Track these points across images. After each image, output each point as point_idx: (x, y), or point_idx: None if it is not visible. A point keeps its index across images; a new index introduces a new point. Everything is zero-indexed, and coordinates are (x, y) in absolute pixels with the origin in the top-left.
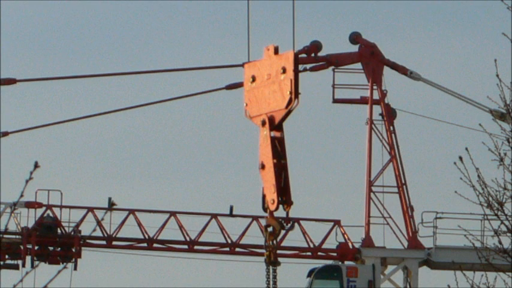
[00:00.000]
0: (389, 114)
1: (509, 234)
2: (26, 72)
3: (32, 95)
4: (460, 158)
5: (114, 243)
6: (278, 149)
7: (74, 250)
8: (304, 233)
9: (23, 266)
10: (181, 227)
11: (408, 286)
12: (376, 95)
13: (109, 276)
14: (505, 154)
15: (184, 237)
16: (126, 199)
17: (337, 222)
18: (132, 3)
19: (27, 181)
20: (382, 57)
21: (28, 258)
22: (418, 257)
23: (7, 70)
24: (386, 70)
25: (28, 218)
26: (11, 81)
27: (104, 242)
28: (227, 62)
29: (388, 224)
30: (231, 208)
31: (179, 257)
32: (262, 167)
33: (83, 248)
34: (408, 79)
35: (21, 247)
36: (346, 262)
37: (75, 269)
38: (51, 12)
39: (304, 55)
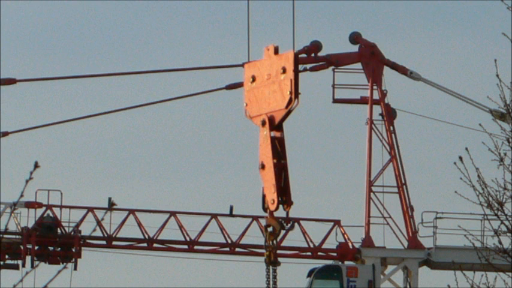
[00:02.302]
0: (390, 114)
1: (509, 234)
2: (26, 72)
3: (32, 95)
4: (460, 158)
5: (114, 243)
6: (278, 149)
7: (74, 250)
8: (304, 233)
9: (23, 266)
10: (181, 227)
11: (408, 286)
12: (376, 95)
13: (109, 276)
14: (505, 154)
15: (184, 237)
16: (126, 199)
17: (337, 222)
18: (132, 3)
19: (27, 181)
20: (382, 57)
21: (28, 258)
22: (418, 257)
23: (7, 70)
24: (387, 70)
25: (28, 218)
26: (11, 81)
27: (104, 242)
28: (227, 62)
29: (388, 224)
30: (231, 208)
31: (179, 257)
32: (262, 167)
33: (83, 248)
34: (408, 79)
35: (21, 247)
36: (346, 262)
37: (75, 269)
38: (51, 12)
39: (304, 55)
